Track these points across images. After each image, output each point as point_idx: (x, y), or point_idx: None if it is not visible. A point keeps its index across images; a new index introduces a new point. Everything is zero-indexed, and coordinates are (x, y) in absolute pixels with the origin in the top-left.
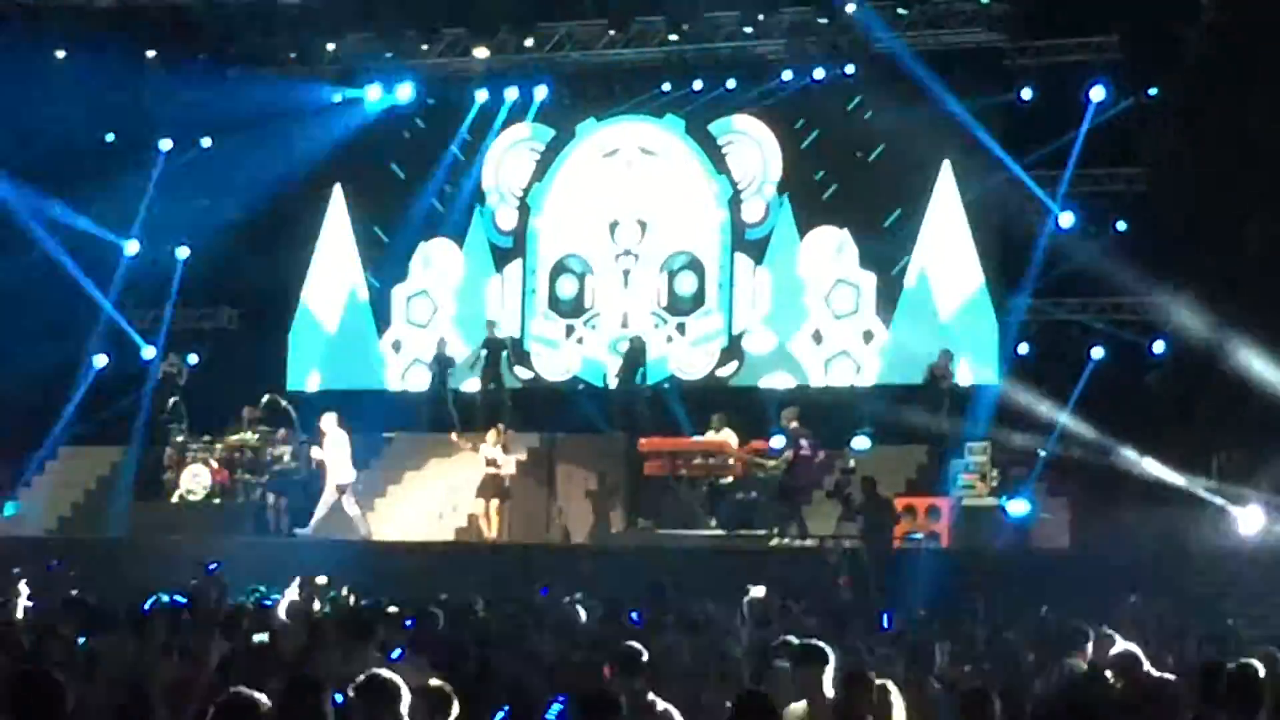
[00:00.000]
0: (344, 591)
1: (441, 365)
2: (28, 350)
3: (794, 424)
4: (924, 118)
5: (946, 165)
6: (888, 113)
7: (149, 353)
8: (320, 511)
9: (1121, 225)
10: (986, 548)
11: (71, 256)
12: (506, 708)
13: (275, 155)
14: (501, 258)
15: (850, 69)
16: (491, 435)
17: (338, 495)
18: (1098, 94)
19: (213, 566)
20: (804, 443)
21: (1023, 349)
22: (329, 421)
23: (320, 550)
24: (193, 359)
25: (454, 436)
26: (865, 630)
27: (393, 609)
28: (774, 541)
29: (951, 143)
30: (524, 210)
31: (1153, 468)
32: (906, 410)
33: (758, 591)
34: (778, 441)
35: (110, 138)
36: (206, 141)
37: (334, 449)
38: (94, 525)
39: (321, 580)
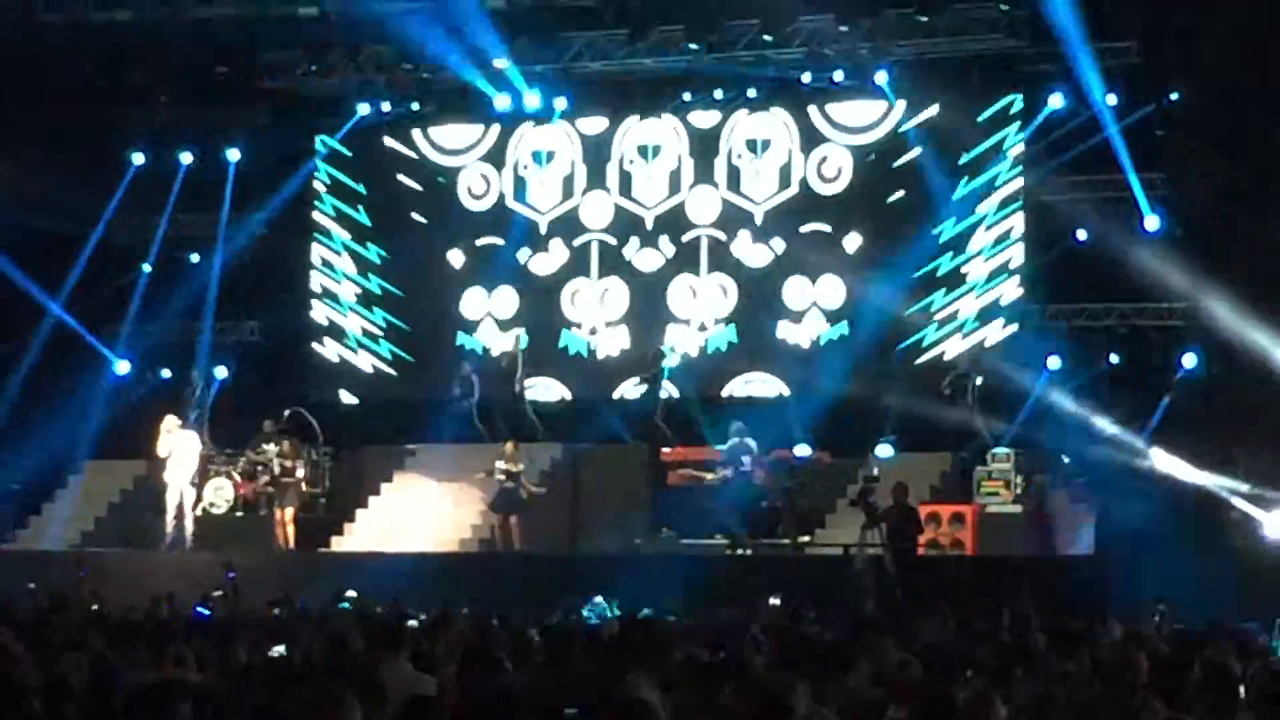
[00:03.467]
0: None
1: (466, 378)
2: (52, 364)
3: (735, 440)
4: (945, 124)
5: (969, 170)
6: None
7: (166, 373)
8: (172, 524)
9: (1151, 227)
10: (1011, 555)
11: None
12: None
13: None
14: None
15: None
16: (508, 449)
17: (179, 502)
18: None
19: (231, 575)
20: (746, 459)
21: (1053, 360)
22: (171, 423)
23: (342, 563)
24: (221, 373)
25: (508, 448)
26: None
27: (413, 622)
28: (728, 551)
29: (973, 148)
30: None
31: (1179, 471)
32: (932, 416)
33: (775, 601)
34: (802, 450)
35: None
36: (233, 154)
37: (180, 452)
38: (118, 539)
39: (351, 594)
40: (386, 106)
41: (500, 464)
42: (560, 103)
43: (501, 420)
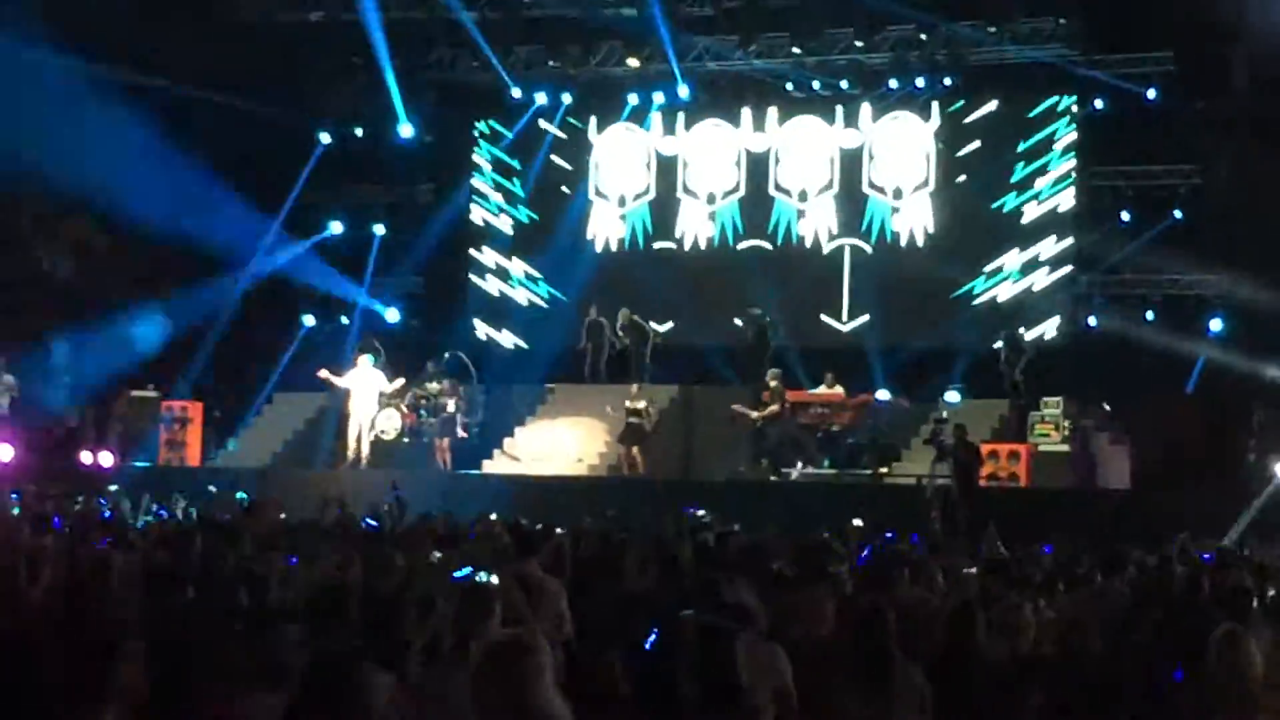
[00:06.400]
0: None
1: (594, 326)
2: (248, 311)
3: (775, 384)
4: (1010, 122)
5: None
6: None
7: (344, 319)
8: (353, 446)
9: (1177, 214)
10: (1059, 488)
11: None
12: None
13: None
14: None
15: (948, 80)
16: (634, 389)
17: (359, 429)
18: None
19: (397, 492)
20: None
21: (1092, 320)
22: (364, 362)
23: (491, 484)
24: (392, 316)
25: (634, 389)
26: (955, 555)
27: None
28: (773, 477)
29: (1032, 140)
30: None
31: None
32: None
33: (858, 522)
34: (882, 394)
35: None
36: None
37: (364, 387)
38: (302, 460)
39: (493, 518)
40: (541, 98)
41: (628, 403)
42: (682, 90)
43: (629, 368)
